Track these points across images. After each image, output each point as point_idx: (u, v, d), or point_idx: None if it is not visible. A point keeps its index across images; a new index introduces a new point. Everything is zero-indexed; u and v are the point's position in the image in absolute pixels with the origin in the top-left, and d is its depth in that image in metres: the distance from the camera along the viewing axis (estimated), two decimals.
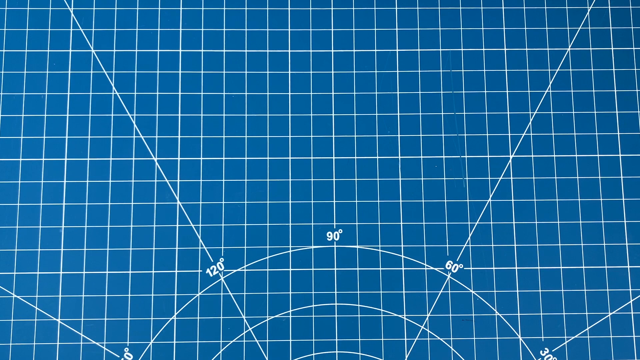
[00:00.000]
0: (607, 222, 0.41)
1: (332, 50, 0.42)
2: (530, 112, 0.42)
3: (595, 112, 0.42)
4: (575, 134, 0.42)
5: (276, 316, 0.40)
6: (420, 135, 0.42)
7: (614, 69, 0.42)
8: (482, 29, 0.43)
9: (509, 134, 0.42)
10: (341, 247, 0.40)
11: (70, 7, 0.42)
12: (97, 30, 0.42)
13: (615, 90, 0.42)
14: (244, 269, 0.40)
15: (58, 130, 0.41)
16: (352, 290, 0.40)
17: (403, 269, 0.40)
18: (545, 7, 0.43)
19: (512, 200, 0.41)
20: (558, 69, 0.42)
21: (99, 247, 0.40)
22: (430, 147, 0.41)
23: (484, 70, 0.42)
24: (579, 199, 0.41)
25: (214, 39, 0.42)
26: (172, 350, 0.39)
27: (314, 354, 0.40)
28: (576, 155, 0.42)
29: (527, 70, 0.42)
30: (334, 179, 0.41)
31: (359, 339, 0.40)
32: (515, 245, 0.41)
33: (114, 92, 0.41)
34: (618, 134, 0.42)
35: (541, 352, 0.40)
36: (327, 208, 0.41)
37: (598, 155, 0.42)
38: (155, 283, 0.40)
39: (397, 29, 0.43)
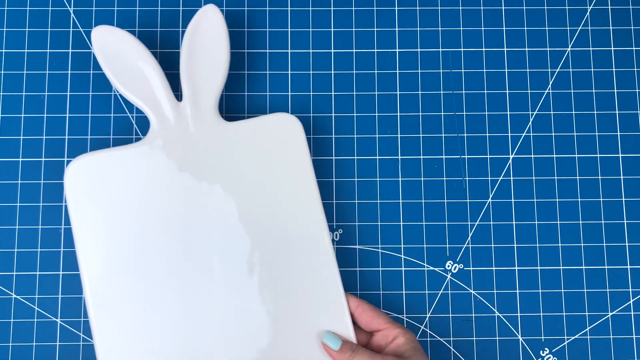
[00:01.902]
0: (607, 222, 0.41)
1: (332, 50, 0.42)
2: (530, 112, 0.42)
3: (595, 112, 0.42)
4: (575, 134, 0.42)
5: None
6: (420, 135, 0.42)
7: (614, 69, 0.42)
8: (482, 29, 0.43)
9: (509, 134, 0.42)
10: (341, 247, 0.40)
11: (70, 7, 0.42)
12: None
13: (615, 90, 0.42)
14: None
15: (58, 130, 0.41)
16: (352, 290, 0.40)
17: (403, 269, 0.40)
18: (545, 7, 0.43)
19: (512, 200, 0.41)
20: (558, 69, 0.42)
21: None
22: (430, 147, 0.41)
23: (484, 70, 0.42)
24: (579, 199, 0.41)
25: None
26: None
27: None
28: (576, 155, 0.42)
29: (527, 70, 0.42)
30: (334, 179, 0.41)
31: None
32: (515, 245, 0.41)
33: (114, 92, 0.41)
34: (618, 134, 0.42)
35: (541, 352, 0.40)
36: (327, 208, 0.40)
37: (598, 155, 0.42)
38: None
39: (397, 29, 0.43)
